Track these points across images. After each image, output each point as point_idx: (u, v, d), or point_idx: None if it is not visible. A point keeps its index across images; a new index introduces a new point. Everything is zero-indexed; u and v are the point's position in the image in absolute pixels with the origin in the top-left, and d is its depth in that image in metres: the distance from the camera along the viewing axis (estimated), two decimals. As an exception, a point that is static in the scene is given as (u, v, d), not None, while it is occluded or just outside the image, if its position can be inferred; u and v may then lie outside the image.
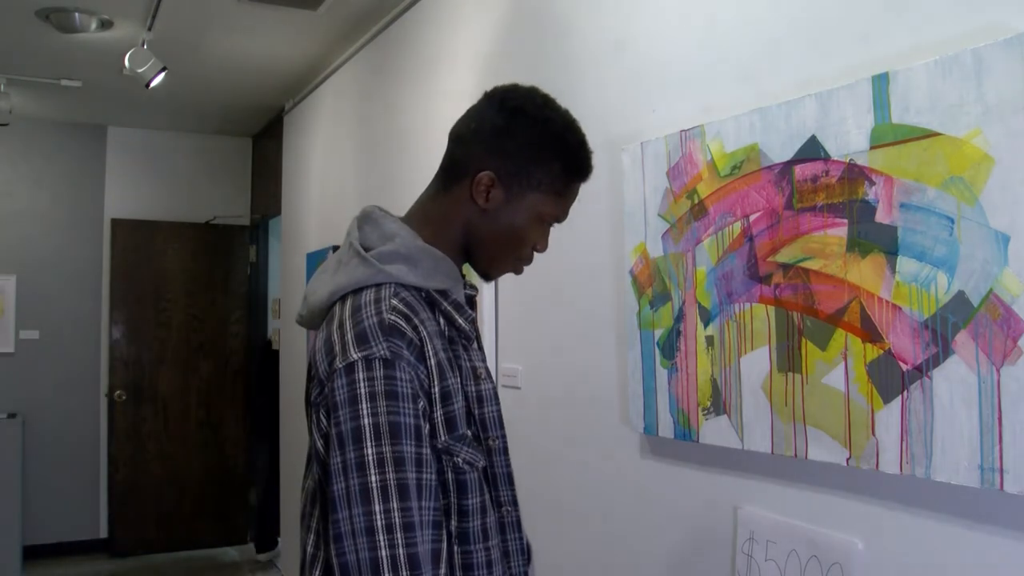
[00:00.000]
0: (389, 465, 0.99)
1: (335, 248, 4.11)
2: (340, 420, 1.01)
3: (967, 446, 1.22)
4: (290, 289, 5.09)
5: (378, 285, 1.11)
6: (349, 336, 1.05)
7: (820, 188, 1.45)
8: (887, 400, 1.34)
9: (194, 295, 5.95)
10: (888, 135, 1.34)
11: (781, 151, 1.53)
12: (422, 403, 1.05)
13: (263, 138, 6.01)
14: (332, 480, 1.00)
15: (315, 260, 4.42)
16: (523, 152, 1.18)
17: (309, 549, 1.11)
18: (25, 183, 5.71)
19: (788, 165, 1.52)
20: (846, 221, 1.40)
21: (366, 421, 1.00)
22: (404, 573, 0.97)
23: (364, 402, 1.01)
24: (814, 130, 1.46)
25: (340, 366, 1.03)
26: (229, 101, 5.24)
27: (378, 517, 0.98)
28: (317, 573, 1.08)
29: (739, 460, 1.69)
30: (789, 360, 1.52)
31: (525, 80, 2.57)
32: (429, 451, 1.04)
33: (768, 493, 1.63)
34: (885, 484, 1.39)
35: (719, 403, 1.68)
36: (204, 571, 5.43)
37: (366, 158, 3.86)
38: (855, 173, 1.39)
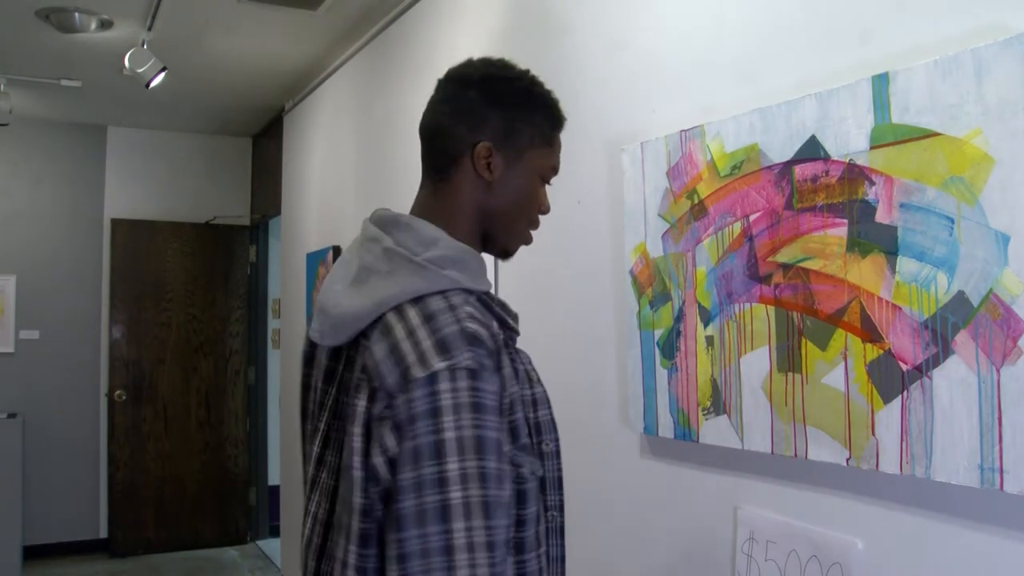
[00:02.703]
0: (474, 481, 0.92)
1: (335, 248, 4.12)
2: (417, 433, 0.93)
3: (967, 446, 1.22)
4: (290, 289, 5.09)
5: (443, 292, 1.04)
6: (426, 345, 0.97)
7: (820, 188, 1.45)
8: (887, 400, 1.34)
9: (194, 295, 5.95)
10: (888, 135, 1.34)
11: (781, 151, 1.53)
12: (505, 417, 0.99)
13: (263, 138, 6.01)
14: (401, 497, 0.92)
15: (315, 260, 4.42)
16: (506, 114, 1.17)
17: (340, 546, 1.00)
18: (25, 183, 5.71)
19: (788, 165, 1.52)
20: (846, 221, 1.40)
21: (449, 435, 0.93)
22: None
23: (448, 414, 0.94)
24: (814, 130, 1.46)
25: (419, 376, 0.95)
26: (229, 101, 5.24)
27: (459, 535, 0.91)
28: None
29: (739, 460, 1.69)
30: (789, 360, 1.52)
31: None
32: (508, 467, 0.98)
33: (768, 493, 1.63)
34: (885, 484, 1.39)
35: (719, 403, 1.68)
36: (204, 571, 5.43)
37: (366, 158, 3.86)
38: (855, 173, 1.39)
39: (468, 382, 0.95)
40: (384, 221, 1.15)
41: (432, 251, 1.08)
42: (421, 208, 1.20)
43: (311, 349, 1.19)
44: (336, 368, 1.11)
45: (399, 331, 1.00)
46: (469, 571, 0.90)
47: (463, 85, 1.22)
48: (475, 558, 0.91)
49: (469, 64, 1.25)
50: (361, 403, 1.00)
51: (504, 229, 1.21)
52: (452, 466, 0.92)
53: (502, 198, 1.17)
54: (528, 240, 1.25)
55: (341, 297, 1.10)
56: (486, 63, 1.24)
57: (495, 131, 1.17)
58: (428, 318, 1.00)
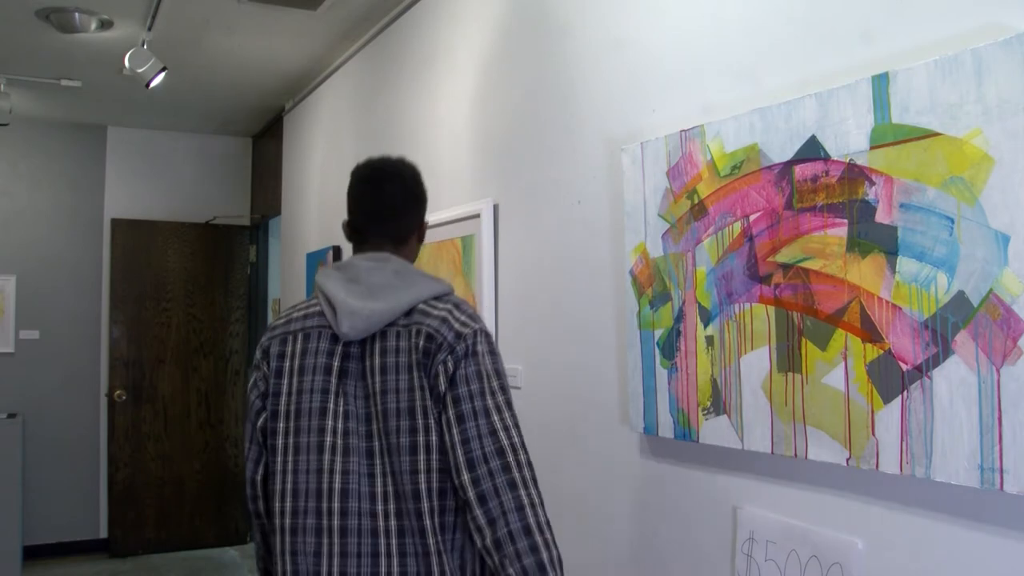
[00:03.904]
0: (507, 391, 1.55)
1: (335, 248, 4.13)
2: (476, 362, 1.51)
3: (967, 446, 1.22)
4: (290, 289, 5.09)
5: (449, 293, 1.62)
6: (464, 317, 1.55)
7: (820, 188, 1.45)
8: (887, 400, 1.34)
9: (194, 295, 5.96)
10: (888, 135, 1.34)
11: (781, 151, 1.53)
12: None
13: (263, 138, 6.01)
14: (473, 398, 1.50)
15: (315, 260, 4.42)
16: (424, 200, 1.75)
17: (426, 471, 1.50)
18: (25, 183, 5.71)
19: (788, 165, 1.52)
20: (846, 221, 1.40)
21: (492, 365, 1.53)
22: (522, 451, 1.53)
23: (488, 354, 1.54)
24: (814, 130, 1.46)
25: (469, 330, 1.53)
26: (229, 101, 5.24)
27: (511, 418, 1.52)
28: (436, 489, 1.51)
29: (739, 460, 1.69)
30: (789, 360, 1.52)
31: (525, 80, 2.58)
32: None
33: (768, 493, 1.63)
34: (885, 484, 1.39)
35: (719, 403, 1.68)
36: (204, 571, 5.43)
37: (366, 157, 3.86)
38: (855, 173, 1.39)
39: (488, 337, 1.56)
40: (376, 258, 1.63)
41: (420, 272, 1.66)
42: (388, 257, 1.67)
43: (280, 351, 1.64)
44: (363, 350, 1.58)
45: (442, 312, 1.56)
46: (518, 437, 1.51)
47: (403, 181, 1.72)
48: (519, 431, 1.52)
49: (398, 163, 1.74)
50: (419, 355, 1.53)
51: None
52: (497, 382, 1.53)
53: (418, 253, 1.79)
54: None
55: (366, 304, 1.56)
56: (404, 163, 1.74)
57: (424, 212, 1.74)
58: (456, 305, 1.58)
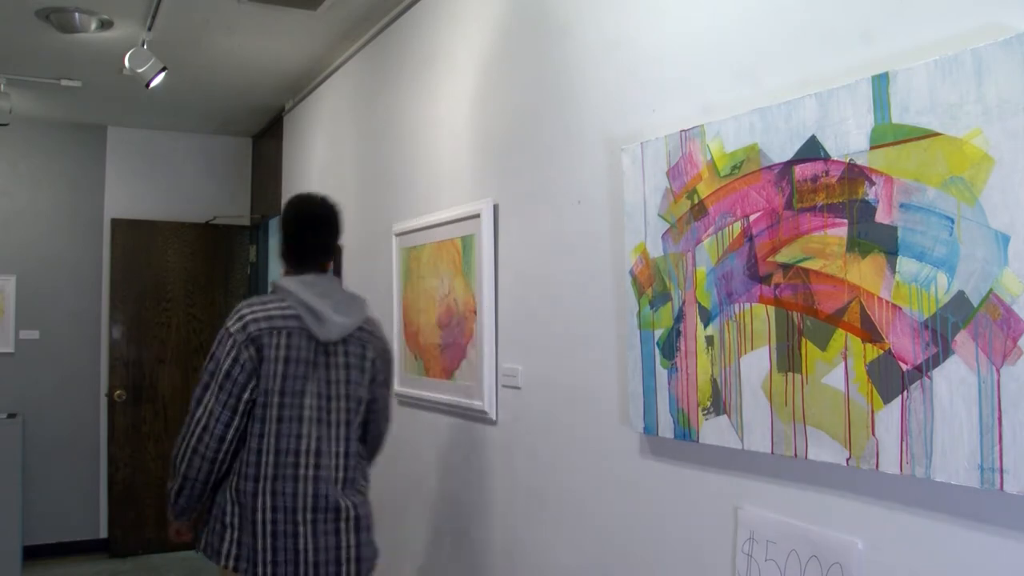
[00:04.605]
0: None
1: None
2: (393, 368, 2.57)
3: (967, 446, 1.22)
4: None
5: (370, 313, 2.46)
6: (384, 336, 2.49)
7: (820, 188, 1.45)
8: (887, 400, 1.34)
9: (194, 295, 5.96)
10: (888, 135, 1.34)
11: (781, 151, 1.53)
12: None
13: (263, 138, 6.01)
14: (388, 392, 2.51)
15: (315, 260, 4.42)
16: (340, 233, 2.49)
17: (358, 432, 2.40)
18: (25, 183, 5.71)
19: (788, 165, 1.52)
20: (846, 221, 1.40)
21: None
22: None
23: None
24: (814, 130, 1.46)
25: (389, 346, 2.53)
26: (229, 101, 5.24)
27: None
28: (357, 439, 2.40)
29: (739, 460, 1.69)
30: (789, 360, 1.52)
31: (525, 80, 2.58)
32: None
33: (768, 493, 1.63)
34: (885, 484, 1.39)
35: (719, 403, 1.68)
36: (204, 571, 5.42)
37: (366, 158, 3.86)
38: (855, 173, 1.39)
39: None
40: (328, 278, 2.37)
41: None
42: (321, 275, 2.38)
43: (269, 342, 2.23)
44: (332, 350, 2.30)
45: (376, 329, 2.44)
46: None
47: (336, 220, 2.44)
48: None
49: (331, 204, 2.45)
50: (369, 362, 2.38)
51: None
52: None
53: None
54: None
55: (338, 317, 2.28)
56: (333, 204, 2.45)
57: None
58: (379, 326, 2.48)
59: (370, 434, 2.47)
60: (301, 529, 2.20)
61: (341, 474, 2.28)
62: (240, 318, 2.26)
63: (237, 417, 2.18)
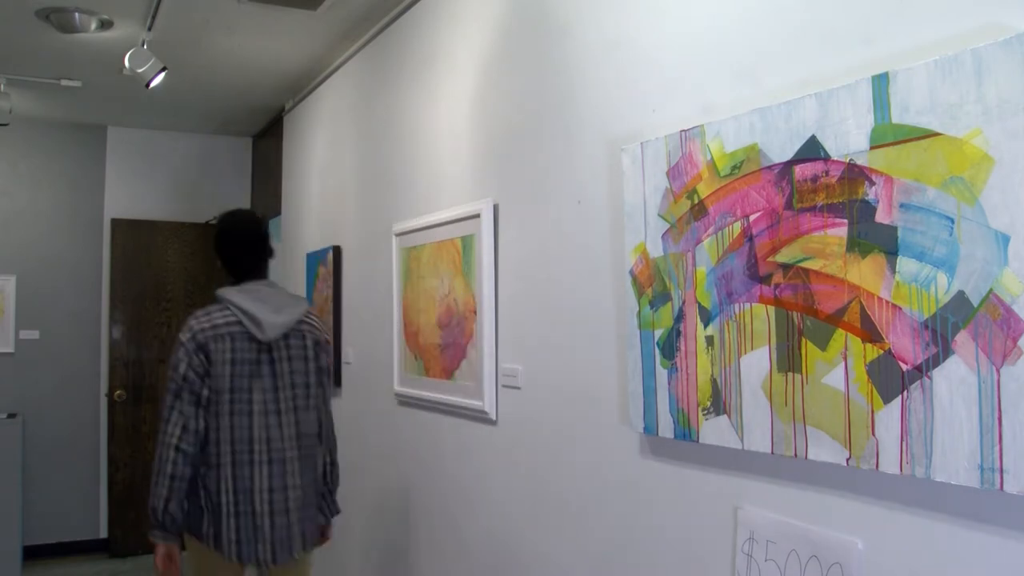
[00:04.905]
0: None
1: (335, 248, 4.14)
2: (330, 358, 2.86)
3: (967, 446, 1.22)
4: (290, 289, 5.08)
5: (311, 307, 2.82)
6: (323, 327, 2.81)
7: (820, 188, 1.45)
8: (887, 400, 1.34)
9: (194, 295, 5.95)
10: (888, 135, 1.34)
11: (781, 151, 1.53)
12: None
13: (263, 138, 6.01)
14: (330, 385, 2.80)
15: (315, 260, 4.42)
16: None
17: (314, 420, 2.72)
18: (25, 183, 5.71)
19: (788, 165, 1.52)
20: (846, 221, 1.40)
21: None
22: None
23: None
24: (814, 130, 1.46)
25: (327, 336, 2.90)
26: (229, 101, 5.24)
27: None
28: (316, 423, 2.73)
29: (739, 460, 1.69)
30: (789, 360, 1.52)
31: (525, 80, 2.57)
32: None
33: (768, 493, 1.63)
34: (885, 484, 1.39)
35: (719, 403, 1.68)
36: (204, 571, 5.42)
37: (366, 158, 3.86)
38: (855, 173, 1.39)
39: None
40: (268, 284, 2.72)
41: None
42: (265, 280, 2.76)
43: (215, 348, 2.55)
44: (271, 346, 2.62)
45: (316, 322, 2.78)
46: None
47: (259, 232, 2.77)
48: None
49: (253, 218, 2.83)
50: (312, 351, 2.71)
51: None
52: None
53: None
54: None
55: (275, 318, 2.61)
56: (256, 216, 2.87)
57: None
58: (318, 318, 2.83)
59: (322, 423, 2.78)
60: (259, 508, 2.54)
61: (294, 454, 2.61)
62: (189, 329, 2.56)
63: (202, 411, 2.51)
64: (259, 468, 2.55)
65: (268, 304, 2.60)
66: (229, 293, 2.61)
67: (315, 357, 2.70)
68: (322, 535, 2.80)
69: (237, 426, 2.54)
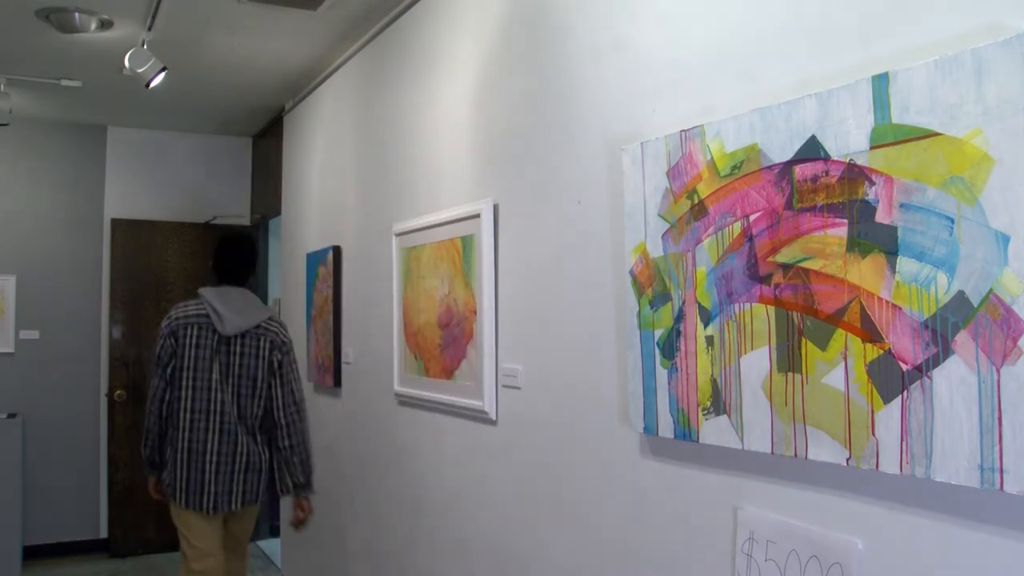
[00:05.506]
0: (298, 371, 3.44)
1: (335, 248, 4.14)
2: (291, 358, 3.39)
3: (967, 446, 1.22)
4: (290, 289, 5.09)
5: (275, 315, 3.45)
6: (285, 332, 3.41)
7: (820, 188, 1.45)
8: (887, 400, 1.34)
9: (194, 295, 5.94)
10: (888, 135, 1.34)
11: (781, 151, 1.53)
12: None
13: (263, 138, 6.01)
14: (292, 381, 3.37)
15: (315, 260, 4.42)
16: (256, 259, 3.52)
17: (257, 406, 3.31)
18: (25, 183, 5.71)
19: (788, 165, 1.52)
20: (846, 221, 1.40)
21: (295, 360, 3.43)
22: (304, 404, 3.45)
23: (293, 352, 3.42)
24: (814, 130, 1.46)
25: (288, 340, 3.41)
26: (229, 101, 5.25)
27: (300, 386, 3.42)
28: (260, 409, 3.33)
29: (739, 460, 1.69)
30: (789, 360, 1.52)
31: (526, 80, 2.57)
32: None
33: (768, 493, 1.63)
34: (885, 484, 1.39)
35: (719, 403, 1.68)
36: (204, 571, 5.42)
37: (366, 158, 3.86)
38: (855, 173, 1.39)
39: (292, 344, 3.42)
40: (239, 290, 3.36)
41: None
42: (240, 292, 3.40)
43: (183, 333, 3.28)
44: (231, 340, 3.27)
45: (276, 327, 3.38)
46: (301, 395, 3.39)
47: (245, 253, 3.44)
48: (302, 392, 3.42)
49: (244, 241, 3.49)
50: (266, 350, 3.32)
51: None
52: (295, 369, 3.41)
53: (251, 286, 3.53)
54: None
55: (235, 317, 3.26)
56: (248, 240, 3.52)
57: (255, 267, 3.49)
58: (281, 324, 3.42)
59: (273, 417, 3.31)
60: (208, 467, 3.21)
61: (240, 427, 3.25)
62: (168, 317, 3.32)
63: (166, 384, 3.27)
64: (212, 435, 3.21)
65: (233, 305, 3.27)
66: (206, 291, 3.31)
67: (267, 356, 3.29)
68: (300, 508, 3.43)
69: (196, 398, 3.21)
